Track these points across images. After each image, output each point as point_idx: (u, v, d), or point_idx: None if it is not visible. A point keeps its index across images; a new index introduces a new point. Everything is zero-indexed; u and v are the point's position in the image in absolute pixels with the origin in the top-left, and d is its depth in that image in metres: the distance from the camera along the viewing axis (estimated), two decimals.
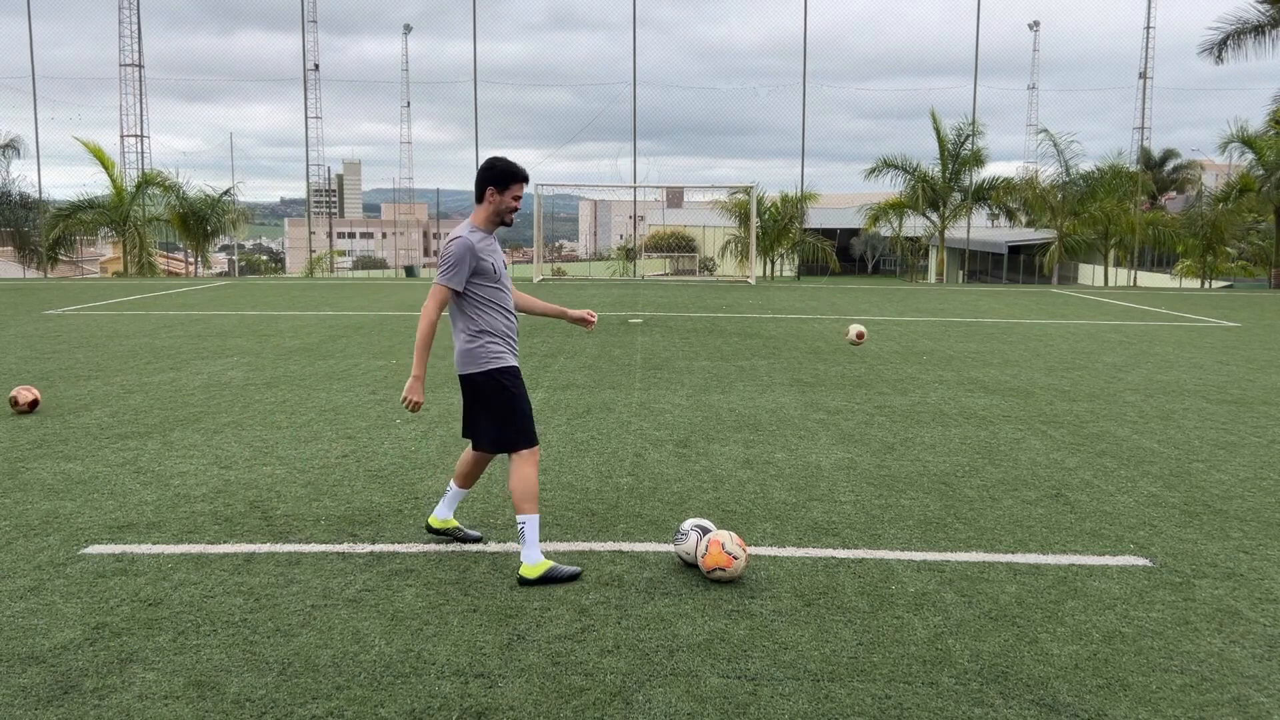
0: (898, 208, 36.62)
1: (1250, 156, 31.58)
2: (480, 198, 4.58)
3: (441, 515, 4.98)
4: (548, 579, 4.46)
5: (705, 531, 4.64)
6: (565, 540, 5.07)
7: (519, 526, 4.53)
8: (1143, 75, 39.69)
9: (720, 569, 4.45)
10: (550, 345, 12.81)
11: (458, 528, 5.00)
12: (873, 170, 34.53)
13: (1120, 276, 37.52)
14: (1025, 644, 3.90)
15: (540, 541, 5.02)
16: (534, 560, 4.49)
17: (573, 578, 4.51)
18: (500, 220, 4.62)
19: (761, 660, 3.73)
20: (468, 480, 4.95)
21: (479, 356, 4.54)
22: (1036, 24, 61.16)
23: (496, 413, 4.57)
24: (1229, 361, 12.13)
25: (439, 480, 6.17)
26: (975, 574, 4.66)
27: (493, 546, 4.97)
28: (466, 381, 4.61)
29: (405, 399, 4.56)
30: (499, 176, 4.55)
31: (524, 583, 4.45)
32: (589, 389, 9.50)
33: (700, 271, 43.06)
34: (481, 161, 4.63)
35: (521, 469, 4.55)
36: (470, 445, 4.83)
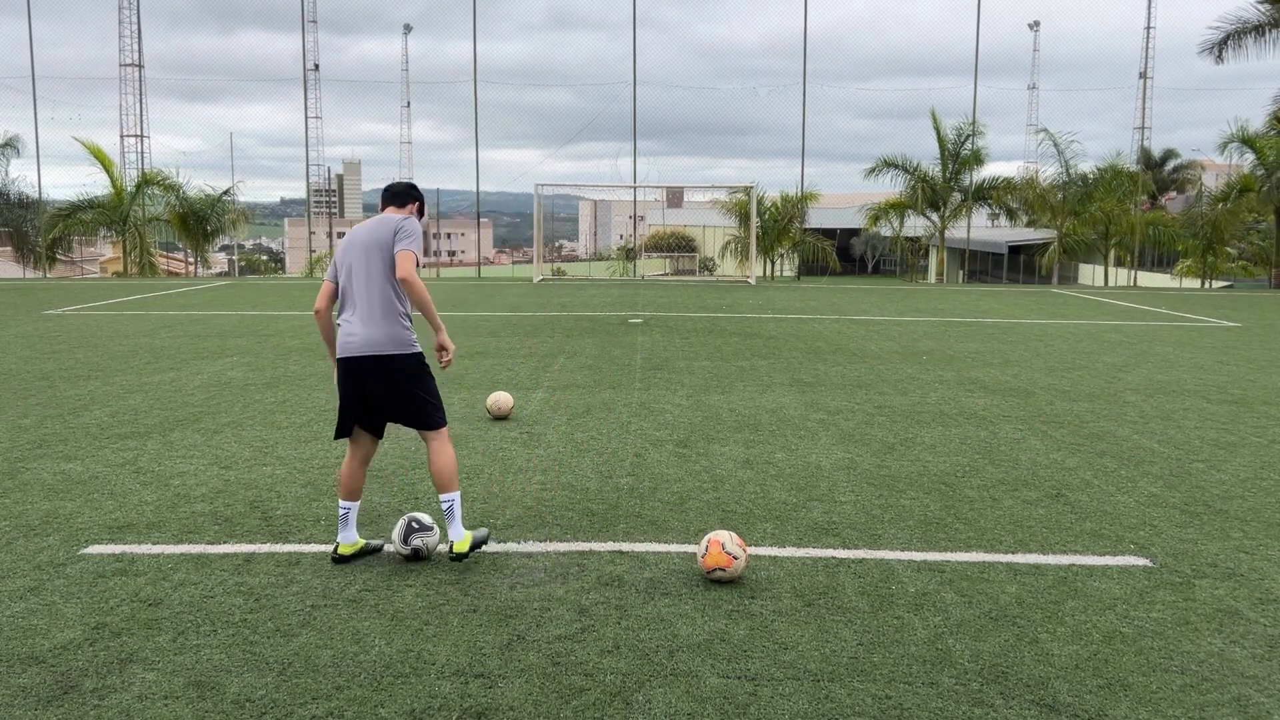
0: (898, 208, 36.59)
1: (1250, 156, 31.56)
2: (403, 205, 4.88)
3: (350, 539, 4.78)
4: (476, 546, 4.70)
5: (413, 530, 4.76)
6: (565, 540, 5.07)
7: (446, 506, 4.68)
8: (1143, 75, 39.71)
9: (720, 569, 4.45)
10: (550, 345, 12.81)
11: (366, 544, 4.84)
12: (873, 170, 34.51)
13: (1120, 276, 37.52)
14: (1025, 644, 3.90)
15: (542, 542, 5.05)
16: (462, 535, 4.66)
17: (485, 540, 4.79)
18: None
19: (761, 660, 3.73)
20: (360, 492, 4.82)
21: (410, 339, 4.73)
22: (1036, 24, 61.25)
23: (429, 389, 4.76)
24: (1229, 361, 12.13)
25: None
26: (975, 574, 4.66)
27: (493, 547, 4.97)
28: (394, 361, 4.66)
29: (452, 351, 4.87)
30: (422, 205, 4.99)
31: (458, 558, 4.63)
32: (589, 389, 9.50)
33: (700, 271, 43.08)
34: (406, 182, 5.03)
35: (446, 449, 4.74)
36: (352, 450, 4.78)
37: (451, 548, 4.65)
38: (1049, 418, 8.37)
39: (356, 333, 4.66)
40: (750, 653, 3.79)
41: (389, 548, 4.84)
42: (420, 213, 4.93)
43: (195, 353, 11.96)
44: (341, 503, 4.77)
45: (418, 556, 4.73)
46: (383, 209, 4.89)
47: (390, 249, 4.65)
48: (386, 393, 4.69)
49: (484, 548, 4.84)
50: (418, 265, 4.68)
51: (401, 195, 4.93)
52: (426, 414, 4.75)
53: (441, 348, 4.85)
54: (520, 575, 4.57)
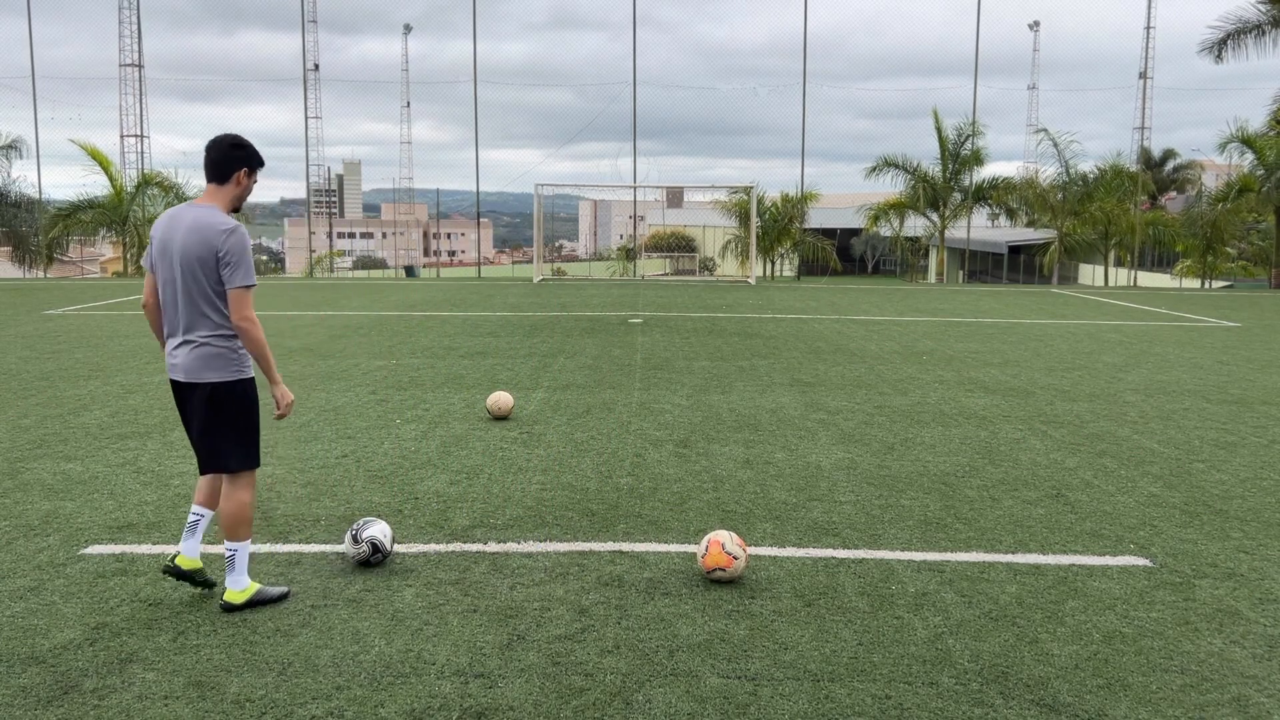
0: (898, 208, 36.60)
1: (1250, 156, 31.58)
2: (225, 178, 4.05)
3: (192, 553, 4.21)
4: (255, 602, 4.16)
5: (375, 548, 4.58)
6: (565, 540, 5.07)
7: (229, 555, 4.15)
8: (1143, 75, 39.75)
9: (720, 569, 4.45)
10: (550, 345, 12.81)
11: (203, 569, 4.26)
12: (873, 169, 34.53)
13: (1120, 276, 37.52)
14: (1025, 644, 3.90)
15: (542, 542, 5.04)
16: (242, 585, 4.16)
17: (283, 597, 4.25)
18: (237, 208, 4.15)
19: (761, 660, 3.73)
20: (216, 499, 4.30)
21: (232, 362, 4.07)
22: (1036, 24, 61.30)
23: (242, 427, 4.14)
24: (1229, 361, 12.13)
25: (439, 480, 6.17)
26: (975, 574, 4.66)
27: (492, 546, 4.97)
28: (208, 389, 4.04)
29: (287, 404, 4.12)
30: (254, 158, 4.12)
31: (228, 607, 4.11)
32: (589, 389, 9.50)
33: (700, 271, 43.07)
34: (227, 139, 4.09)
35: (241, 493, 4.17)
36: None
37: (224, 594, 4.15)
38: (1049, 418, 8.37)
39: (176, 354, 4.07)
40: (750, 653, 3.79)
41: (349, 552, 4.64)
42: (251, 169, 4.10)
43: None
44: (195, 507, 4.26)
45: (376, 550, 4.61)
46: (207, 183, 4.09)
47: (214, 271, 3.94)
48: (197, 421, 4.11)
49: (275, 603, 4.21)
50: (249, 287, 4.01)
51: (221, 165, 4.04)
52: (227, 454, 4.13)
53: (277, 400, 4.14)
54: (520, 575, 4.57)
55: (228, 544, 4.18)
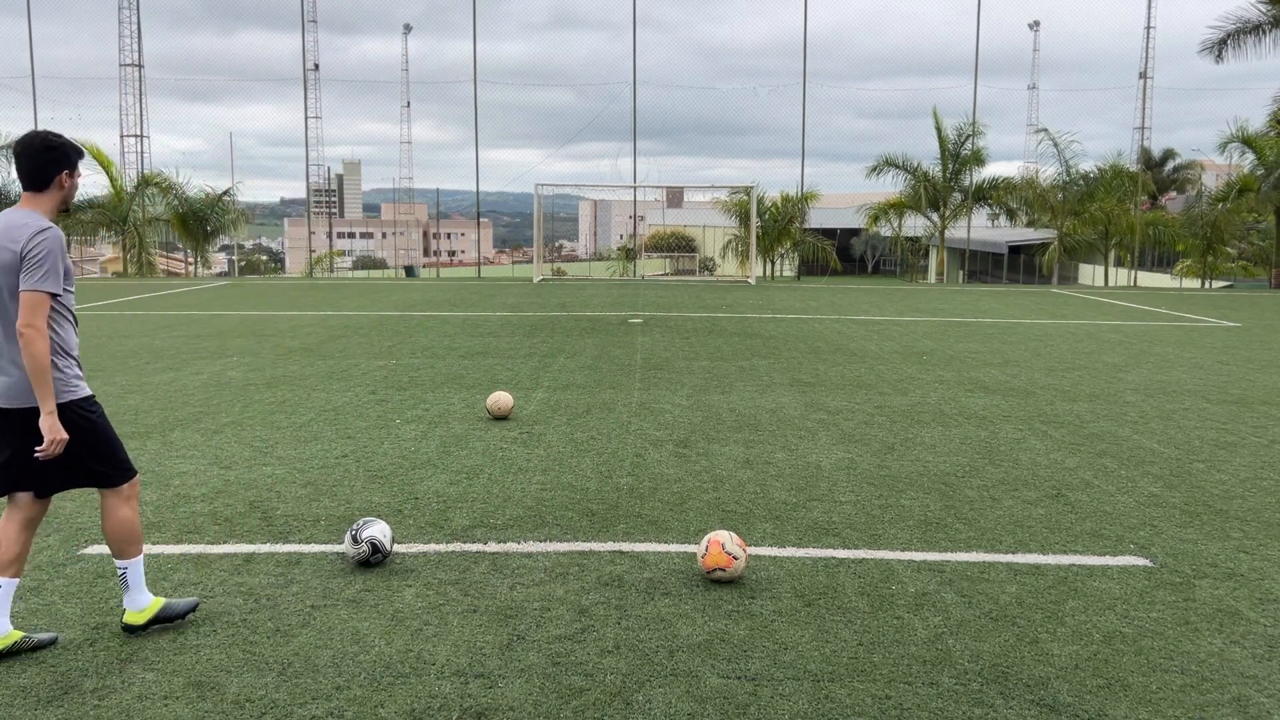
0: (898, 207, 36.60)
1: (1250, 156, 31.58)
2: (46, 184, 3.65)
3: (2, 629, 3.68)
4: (160, 619, 3.91)
5: (374, 548, 4.58)
6: (565, 540, 5.07)
7: (120, 573, 3.88)
8: (1143, 75, 39.79)
9: (720, 569, 4.45)
10: (550, 345, 12.81)
11: (26, 637, 3.73)
12: (874, 169, 34.52)
13: (1120, 276, 37.52)
14: (1025, 644, 3.90)
15: (542, 542, 5.04)
16: (142, 604, 3.89)
17: (191, 609, 4.00)
18: (66, 209, 3.83)
19: (761, 660, 3.73)
20: (21, 563, 3.79)
21: (64, 383, 3.67)
22: (1037, 24, 61.46)
23: (95, 447, 3.79)
24: (1229, 361, 12.13)
25: (439, 480, 6.17)
26: (975, 574, 4.66)
27: (492, 546, 4.97)
28: (37, 414, 3.59)
29: (50, 442, 3.58)
30: (71, 156, 3.71)
31: (130, 630, 3.86)
32: (589, 389, 9.50)
33: (700, 271, 43.06)
34: (38, 141, 3.66)
35: (121, 509, 3.87)
36: (10, 511, 3.78)
37: (123, 615, 3.89)
38: (1049, 418, 8.37)
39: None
40: (750, 653, 3.79)
41: (349, 552, 4.65)
42: (72, 169, 3.70)
43: (195, 353, 11.96)
44: None
45: (376, 550, 4.61)
46: (24, 190, 3.69)
47: (17, 279, 3.53)
48: (33, 449, 3.64)
49: (185, 618, 3.97)
50: (57, 298, 3.60)
51: (37, 173, 3.63)
52: (94, 472, 3.82)
53: (44, 431, 3.58)
54: (520, 575, 4.57)
55: (118, 563, 3.89)
